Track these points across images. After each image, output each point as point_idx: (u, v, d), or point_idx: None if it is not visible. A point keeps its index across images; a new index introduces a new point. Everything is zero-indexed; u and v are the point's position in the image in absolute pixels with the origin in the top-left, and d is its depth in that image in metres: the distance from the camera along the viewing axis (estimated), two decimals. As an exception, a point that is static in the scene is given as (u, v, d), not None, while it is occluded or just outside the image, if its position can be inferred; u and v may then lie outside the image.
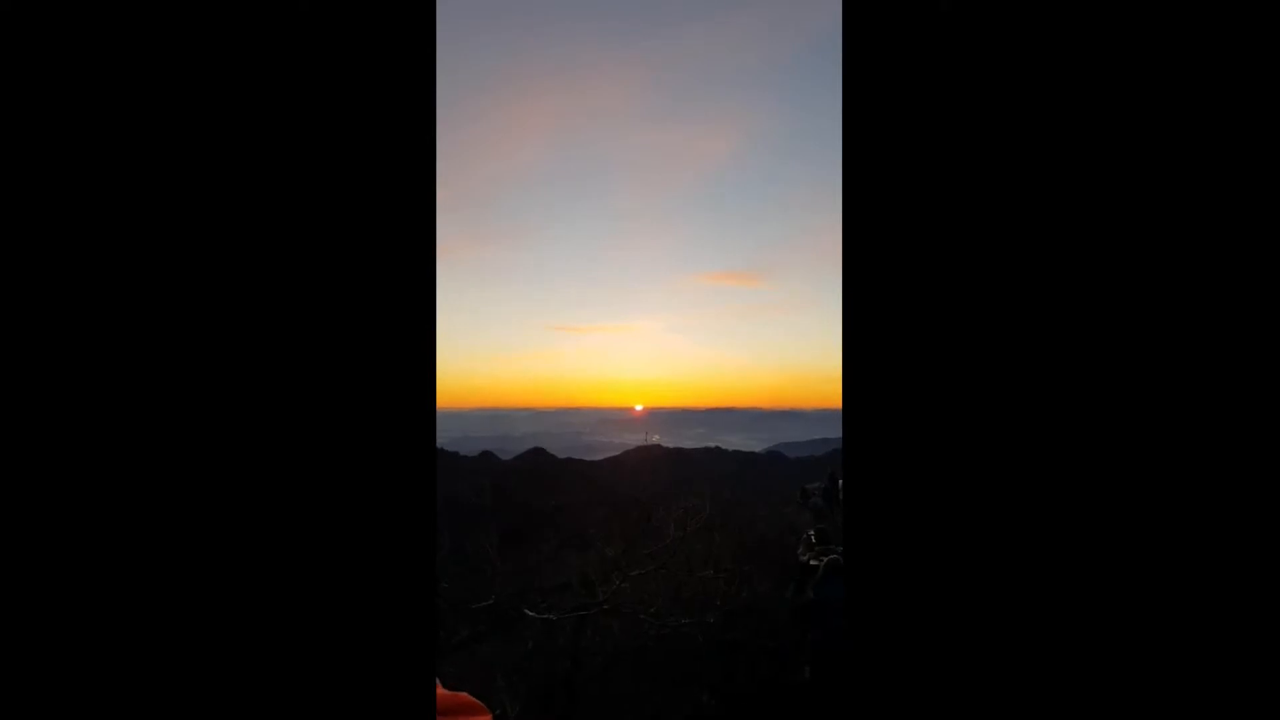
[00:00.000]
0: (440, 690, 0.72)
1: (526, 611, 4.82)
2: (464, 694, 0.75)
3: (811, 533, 3.29)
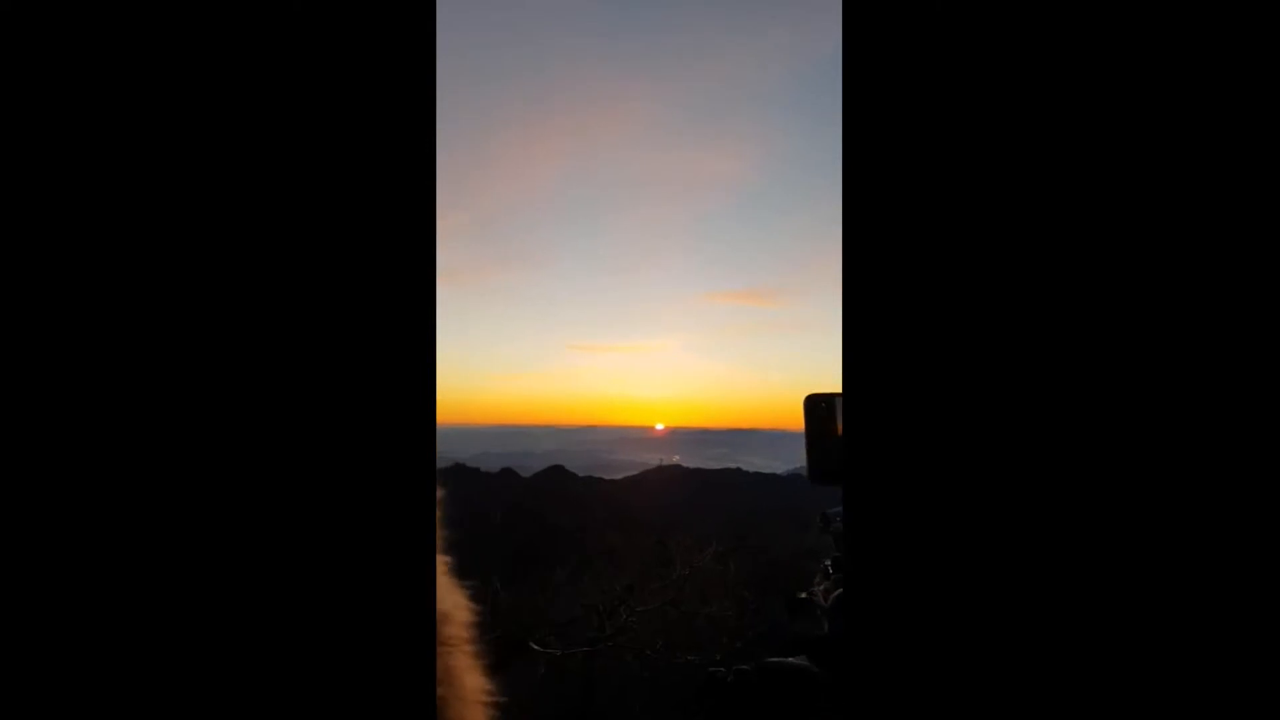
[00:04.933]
0: None
1: (532, 646, 4.77)
2: None
3: (829, 562, 3.20)
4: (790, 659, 1.14)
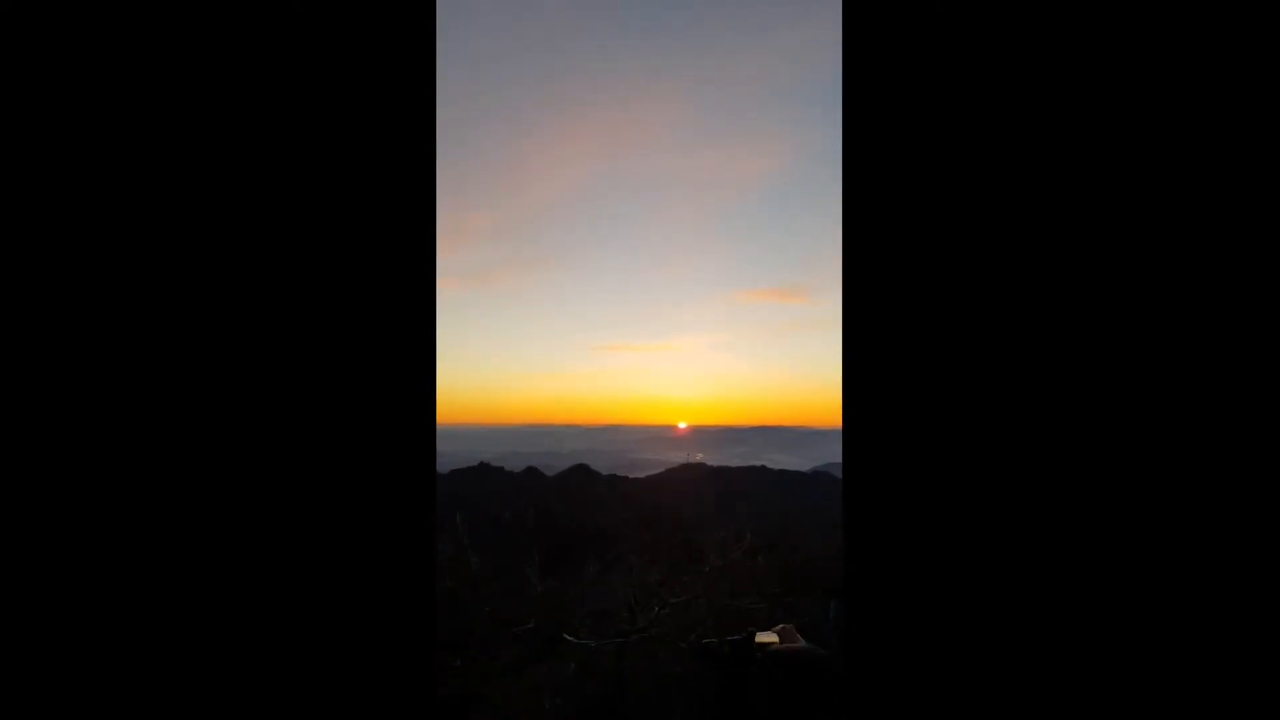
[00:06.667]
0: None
1: (566, 637, 4.84)
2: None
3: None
4: (772, 636, 1.20)
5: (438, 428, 0.54)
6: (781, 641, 1.21)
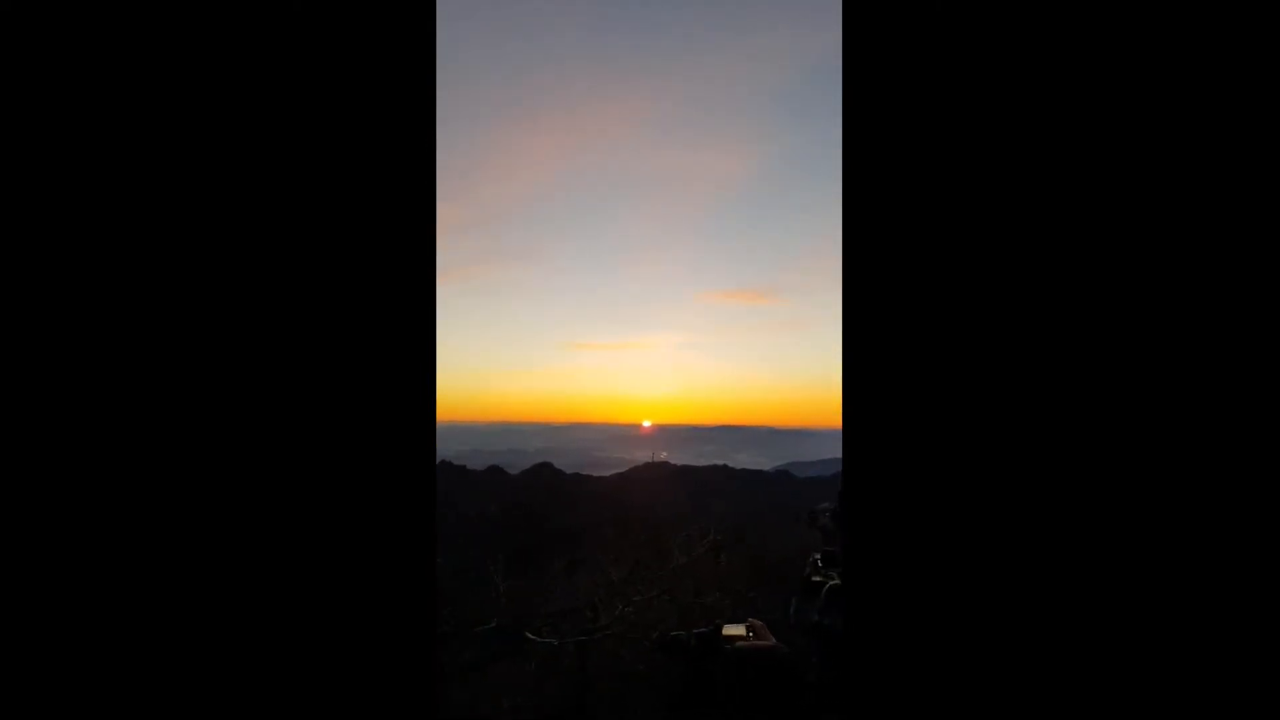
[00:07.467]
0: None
1: (529, 635, 4.83)
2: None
3: (818, 555, 3.26)
4: (739, 628, 1.23)
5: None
6: (754, 637, 1.23)
